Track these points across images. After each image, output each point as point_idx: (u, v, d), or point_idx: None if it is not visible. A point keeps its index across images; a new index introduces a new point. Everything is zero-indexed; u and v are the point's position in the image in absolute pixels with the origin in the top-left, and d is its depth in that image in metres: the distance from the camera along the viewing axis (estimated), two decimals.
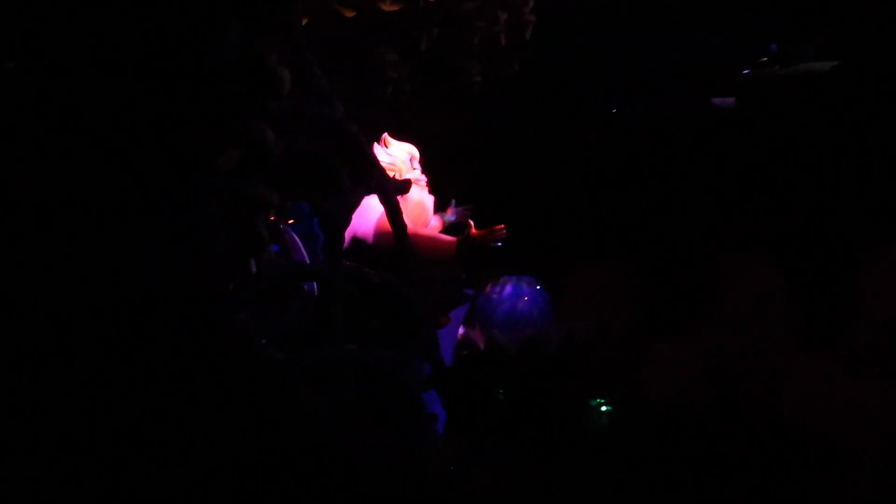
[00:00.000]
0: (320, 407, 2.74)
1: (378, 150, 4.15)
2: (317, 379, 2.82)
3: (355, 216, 3.74)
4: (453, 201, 4.41)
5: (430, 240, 4.02)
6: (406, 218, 3.90)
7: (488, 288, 4.55)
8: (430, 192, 4.25)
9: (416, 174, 4.17)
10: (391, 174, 3.98)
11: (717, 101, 5.11)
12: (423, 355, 3.04)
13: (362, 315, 3.24)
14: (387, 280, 3.04)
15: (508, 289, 4.47)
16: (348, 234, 3.83)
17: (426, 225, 4.17)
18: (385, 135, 4.23)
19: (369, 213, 3.80)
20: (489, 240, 4.11)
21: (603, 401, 3.40)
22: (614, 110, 5.65)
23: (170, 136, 2.54)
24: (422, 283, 3.39)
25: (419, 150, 4.29)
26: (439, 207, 4.41)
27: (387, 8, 4.59)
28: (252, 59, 2.55)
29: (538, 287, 4.46)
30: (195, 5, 2.54)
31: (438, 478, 2.81)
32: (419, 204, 4.13)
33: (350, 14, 4.48)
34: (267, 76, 2.57)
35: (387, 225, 3.60)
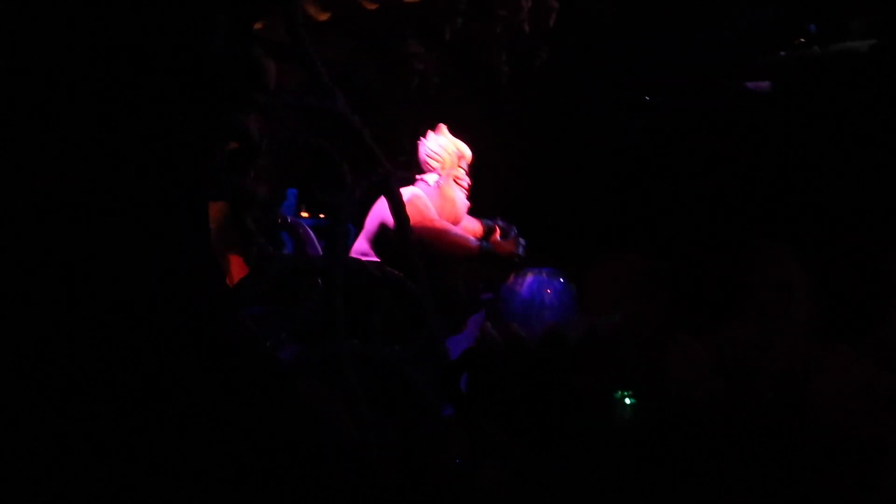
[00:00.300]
0: (323, 403, 2.72)
1: (430, 136, 4.30)
2: (320, 375, 2.80)
3: (382, 201, 3.76)
4: (499, 218, 4.49)
5: (453, 236, 4.07)
6: (434, 209, 3.96)
7: (510, 279, 4.50)
8: (468, 198, 4.33)
9: (459, 172, 4.28)
10: (435, 164, 4.18)
11: (750, 85, 4.94)
12: (426, 350, 3.00)
13: (365, 309, 3.22)
14: (389, 274, 3.00)
15: (529, 279, 4.40)
16: (376, 219, 3.92)
17: (453, 222, 4.22)
18: (442, 125, 4.35)
19: None
20: (510, 252, 4.13)
21: (625, 394, 3.34)
22: (647, 98, 5.52)
23: (166, 133, 2.54)
24: (436, 278, 3.36)
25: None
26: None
27: None
28: (238, 50, 2.53)
29: (560, 278, 4.39)
30: None
31: (443, 475, 2.78)
32: (449, 199, 4.20)
33: (372, 6, 4.45)
34: (252, 68, 2.54)
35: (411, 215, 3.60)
